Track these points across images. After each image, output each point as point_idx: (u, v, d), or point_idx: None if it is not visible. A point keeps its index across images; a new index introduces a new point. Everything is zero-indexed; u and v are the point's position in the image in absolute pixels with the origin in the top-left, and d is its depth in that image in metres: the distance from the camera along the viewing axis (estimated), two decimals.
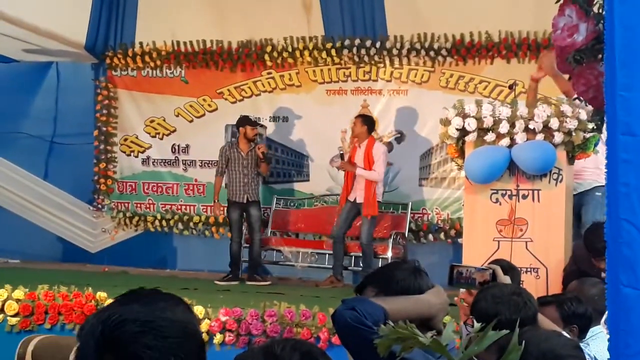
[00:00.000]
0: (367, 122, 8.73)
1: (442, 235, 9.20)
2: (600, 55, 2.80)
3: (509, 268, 3.87)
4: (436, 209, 9.34)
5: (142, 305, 1.44)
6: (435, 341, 1.65)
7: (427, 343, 1.66)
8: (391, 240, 8.77)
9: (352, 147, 8.85)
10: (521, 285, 4.02)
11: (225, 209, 9.08)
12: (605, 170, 1.70)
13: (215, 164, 9.24)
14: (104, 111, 10.56)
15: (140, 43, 10.40)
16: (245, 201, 8.87)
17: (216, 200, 9.04)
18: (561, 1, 3.01)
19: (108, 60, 10.55)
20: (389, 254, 8.67)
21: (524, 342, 1.74)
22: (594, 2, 2.89)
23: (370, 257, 8.54)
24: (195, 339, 1.47)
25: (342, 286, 8.42)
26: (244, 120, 9.05)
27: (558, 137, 5.68)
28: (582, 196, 6.27)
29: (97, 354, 1.40)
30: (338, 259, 8.65)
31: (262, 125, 9.47)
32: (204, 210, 10.15)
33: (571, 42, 2.78)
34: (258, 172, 9.05)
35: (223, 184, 9.06)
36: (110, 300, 5.89)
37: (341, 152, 8.92)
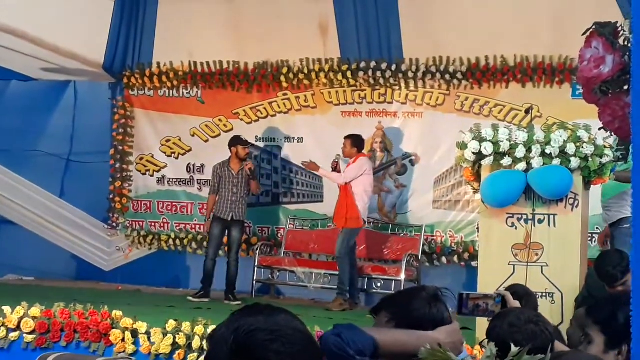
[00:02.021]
0: (357, 143, 8.74)
1: (455, 258, 9.20)
2: (626, 87, 2.83)
3: (524, 294, 3.89)
4: (450, 231, 9.35)
5: (266, 316, 1.57)
6: None
7: None
8: (404, 262, 8.78)
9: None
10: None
11: (209, 225, 9.20)
12: (632, 200, 1.73)
13: None
14: (121, 130, 10.64)
15: (158, 63, 10.49)
16: (229, 219, 8.95)
17: (208, 219, 9.13)
18: (588, 33, 3.04)
19: (125, 80, 10.65)
20: (402, 276, 8.68)
21: None
22: (620, 35, 2.92)
23: (343, 272, 8.49)
24: (316, 347, 1.59)
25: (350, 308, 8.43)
26: (236, 140, 9.17)
27: (574, 162, 5.70)
28: (614, 227, 6.32)
29: None
30: (340, 280, 8.65)
31: (253, 145, 9.53)
32: None
33: (598, 73, 2.81)
34: (248, 193, 9.12)
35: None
36: (127, 319, 5.92)
37: (337, 160, 8.88)
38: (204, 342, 5.99)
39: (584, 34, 2.99)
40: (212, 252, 9.01)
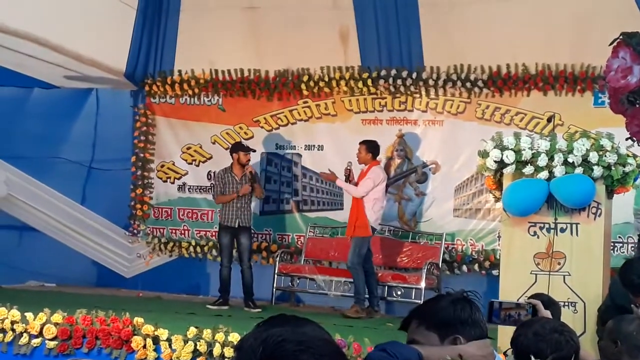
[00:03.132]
0: (372, 149, 8.70)
1: (476, 267, 9.16)
2: None
3: (549, 303, 3.86)
4: (470, 240, 9.32)
5: (293, 327, 1.59)
6: None
7: None
8: (424, 270, 8.76)
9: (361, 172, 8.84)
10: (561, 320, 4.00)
11: (217, 234, 9.22)
12: None
13: None
14: (142, 137, 10.70)
15: (179, 71, 10.55)
16: (236, 226, 8.97)
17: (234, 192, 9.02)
18: (615, 44, 3.03)
19: (147, 88, 10.71)
20: (422, 285, 8.65)
21: None
22: None
23: (357, 280, 8.50)
24: (344, 358, 1.58)
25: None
26: (237, 147, 9.24)
27: (597, 171, 5.67)
28: None
29: None
30: (356, 289, 8.64)
31: (254, 151, 9.51)
32: None
33: (625, 83, 2.81)
34: (251, 198, 9.14)
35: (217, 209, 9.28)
36: (148, 326, 5.94)
37: (349, 167, 8.83)
38: (225, 350, 6.00)
39: (611, 44, 2.97)
40: (225, 260, 9.03)
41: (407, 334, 2.40)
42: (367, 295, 8.67)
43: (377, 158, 9.54)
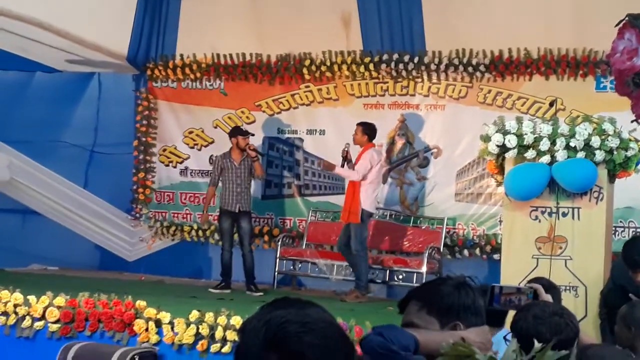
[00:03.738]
0: (368, 130, 8.65)
1: (477, 251, 9.17)
2: None
3: (549, 287, 3.86)
4: (472, 224, 9.32)
5: (297, 309, 1.58)
6: (492, 359, 1.68)
7: None
8: (426, 254, 8.77)
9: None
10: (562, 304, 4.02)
11: (217, 217, 9.25)
12: None
13: None
14: (144, 122, 10.70)
15: (181, 55, 10.54)
16: (237, 210, 8.99)
17: (205, 211, 9.20)
18: (620, 25, 3.01)
19: (149, 72, 10.70)
20: (424, 269, 8.67)
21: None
22: None
23: (359, 266, 8.52)
24: (348, 340, 1.58)
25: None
26: (236, 131, 9.24)
27: (599, 155, 5.67)
28: None
29: (262, 353, 1.50)
30: (358, 275, 8.66)
31: (252, 135, 9.49)
32: None
33: (630, 65, 2.80)
34: (251, 183, 9.16)
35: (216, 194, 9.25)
36: (150, 309, 5.97)
37: (347, 148, 8.80)
38: (227, 333, 6.04)
39: (616, 25, 2.96)
40: (226, 244, 9.06)
41: (404, 315, 2.36)
42: (364, 282, 8.71)
43: (379, 142, 9.57)
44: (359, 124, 8.73)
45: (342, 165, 8.71)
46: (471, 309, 2.35)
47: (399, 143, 9.70)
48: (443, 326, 2.32)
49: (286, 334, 1.51)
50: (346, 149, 8.71)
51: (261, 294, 8.74)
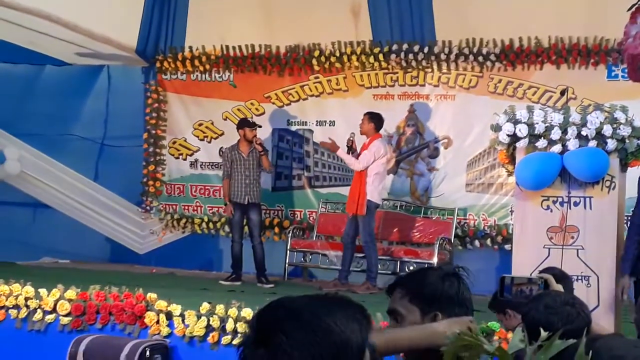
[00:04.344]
0: (375, 119, 8.57)
1: (488, 242, 9.14)
2: None
3: (561, 277, 3.83)
4: (483, 214, 9.29)
5: (288, 300, 1.55)
6: (500, 349, 1.66)
7: (492, 350, 1.66)
8: (437, 245, 8.75)
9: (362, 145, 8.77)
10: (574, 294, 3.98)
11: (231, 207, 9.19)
12: None
13: None
14: (154, 114, 10.70)
15: (190, 47, 10.52)
16: (246, 202, 8.96)
17: (227, 202, 9.12)
18: (633, 9, 2.97)
19: (158, 64, 10.69)
20: (435, 260, 8.65)
21: (592, 351, 1.73)
22: None
23: (370, 258, 8.48)
24: (341, 335, 1.53)
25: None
26: (243, 123, 9.18)
27: (611, 144, 5.61)
28: None
29: (252, 347, 1.49)
30: (344, 264, 8.66)
31: (260, 127, 9.45)
32: None
33: None
34: (260, 174, 9.12)
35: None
36: (161, 302, 5.96)
37: (352, 138, 8.75)
38: (238, 325, 6.03)
39: (629, 10, 2.92)
40: (236, 236, 9.04)
41: (390, 301, 2.34)
42: (354, 269, 8.73)
43: (389, 133, 9.54)
44: (365, 114, 8.69)
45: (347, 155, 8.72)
46: (454, 300, 2.32)
47: (409, 134, 9.66)
48: (424, 315, 2.31)
49: (272, 318, 1.50)
50: (351, 139, 8.69)
51: (272, 285, 8.73)
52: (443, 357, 1.73)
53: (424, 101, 9.61)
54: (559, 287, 3.32)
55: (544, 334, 1.66)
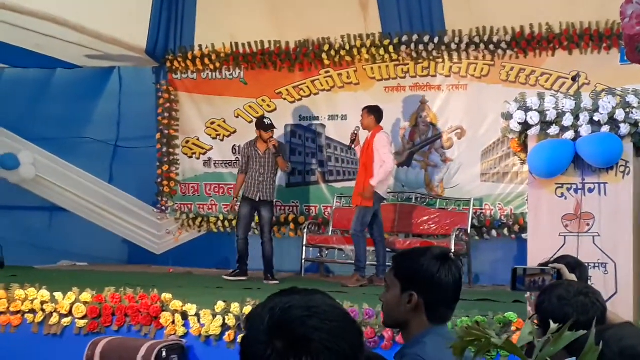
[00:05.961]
0: (373, 111, 8.55)
1: (505, 231, 9.07)
2: None
3: (576, 265, 3.78)
4: (499, 204, 9.22)
5: (302, 296, 1.56)
6: (508, 342, 1.61)
7: (501, 344, 1.61)
8: (453, 236, 8.68)
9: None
10: (589, 282, 3.92)
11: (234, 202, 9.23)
12: None
13: None
14: (166, 114, 10.70)
15: (200, 46, 10.51)
16: (257, 199, 8.92)
17: (235, 198, 9.13)
18: None
19: (168, 64, 10.69)
20: (452, 251, 8.57)
21: (602, 342, 1.68)
22: None
23: (359, 248, 8.44)
24: (355, 324, 1.57)
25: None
26: (258, 124, 9.12)
27: (624, 129, 5.52)
28: None
29: (267, 339, 1.48)
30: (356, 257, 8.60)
31: (275, 128, 9.31)
32: None
33: None
34: (276, 172, 9.08)
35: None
36: (176, 302, 5.95)
37: (356, 131, 8.70)
38: None
39: None
40: (241, 232, 9.00)
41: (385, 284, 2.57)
42: (374, 263, 8.65)
43: (402, 125, 9.50)
44: (363, 108, 8.66)
45: (350, 147, 8.83)
46: (432, 282, 2.51)
47: (422, 125, 9.60)
48: (403, 291, 2.53)
49: (290, 318, 1.49)
50: (355, 132, 8.66)
51: (277, 282, 8.69)
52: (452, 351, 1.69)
53: (436, 92, 9.54)
54: (573, 277, 3.27)
55: (553, 326, 1.61)
